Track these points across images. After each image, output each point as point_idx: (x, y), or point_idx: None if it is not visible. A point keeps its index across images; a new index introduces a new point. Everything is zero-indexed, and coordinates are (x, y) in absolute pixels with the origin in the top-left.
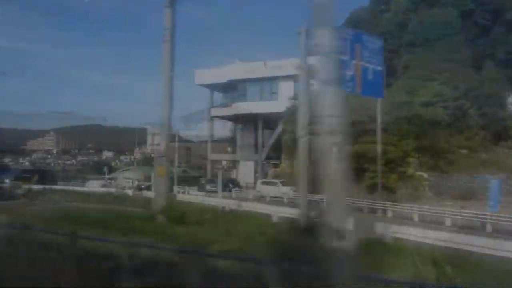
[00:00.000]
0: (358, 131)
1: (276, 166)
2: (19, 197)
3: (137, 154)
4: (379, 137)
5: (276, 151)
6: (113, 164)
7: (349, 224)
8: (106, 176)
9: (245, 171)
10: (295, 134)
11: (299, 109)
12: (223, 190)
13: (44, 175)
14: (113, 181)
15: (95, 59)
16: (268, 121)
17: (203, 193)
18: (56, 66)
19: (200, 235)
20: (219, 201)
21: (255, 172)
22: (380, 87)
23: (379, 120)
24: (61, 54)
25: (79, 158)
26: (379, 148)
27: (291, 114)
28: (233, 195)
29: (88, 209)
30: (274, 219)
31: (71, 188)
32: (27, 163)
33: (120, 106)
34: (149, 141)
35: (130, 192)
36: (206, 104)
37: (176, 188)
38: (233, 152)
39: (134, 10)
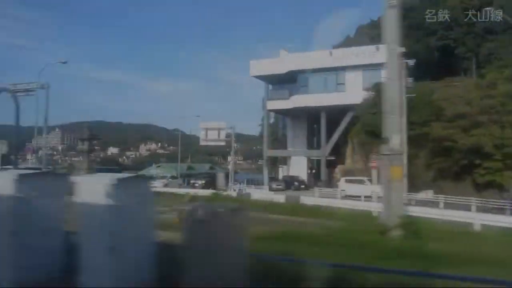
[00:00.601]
0: (470, 124)
1: (334, 162)
2: None
3: (143, 150)
4: None
5: (337, 147)
6: (120, 160)
7: None
8: (159, 174)
9: (298, 168)
10: (375, 127)
11: None
12: (288, 188)
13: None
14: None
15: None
16: (332, 114)
17: (272, 192)
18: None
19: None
20: (338, 202)
21: (310, 169)
22: None
23: None
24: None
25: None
26: None
27: (368, 106)
28: (316, 194)
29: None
30: (476, 227)
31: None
32: (34, 160)
33: (120, 103)
34: (202, 136)
35: (233, 193)
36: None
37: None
38: (282, 147)
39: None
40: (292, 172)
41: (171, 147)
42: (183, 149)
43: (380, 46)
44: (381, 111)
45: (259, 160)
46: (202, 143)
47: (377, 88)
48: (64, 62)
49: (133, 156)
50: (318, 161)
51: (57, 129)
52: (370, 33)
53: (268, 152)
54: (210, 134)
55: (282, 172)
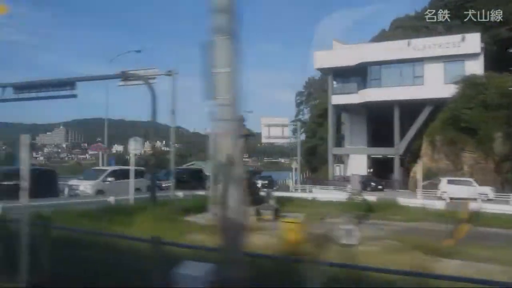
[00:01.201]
0: None
1: (403, 161)
2: (277, 212)
3: (147, 148)
4: None
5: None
6: (126, 157)
7: None
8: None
9: (356, 167)
10: (471, 123)
11: None
12: (364, 190)
13: (194, 176)
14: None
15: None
16: (404, 109)
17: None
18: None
19: None
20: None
21: (370, 167)
22: None
23: None
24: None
25: (90, 152)
26: None
27: (463, 100)
28: (419, 196)
29: None
30: None
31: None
32: (41, 158)
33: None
34: (264, 133)
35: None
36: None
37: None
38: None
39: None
40: (350, 172)
41: (176, 144)
42: (186, 148)
43: (466, 35)
44: (479, 105)
45: (265, 157)
46: (264, 140)
47: (469, 81)
48: (138, 51)
49: (139, 154)
50: (377, 160)
51: (61, 126)
52: (409, 25)
53: (333, 150)
54: (273, 131)
55: (339, 171)
